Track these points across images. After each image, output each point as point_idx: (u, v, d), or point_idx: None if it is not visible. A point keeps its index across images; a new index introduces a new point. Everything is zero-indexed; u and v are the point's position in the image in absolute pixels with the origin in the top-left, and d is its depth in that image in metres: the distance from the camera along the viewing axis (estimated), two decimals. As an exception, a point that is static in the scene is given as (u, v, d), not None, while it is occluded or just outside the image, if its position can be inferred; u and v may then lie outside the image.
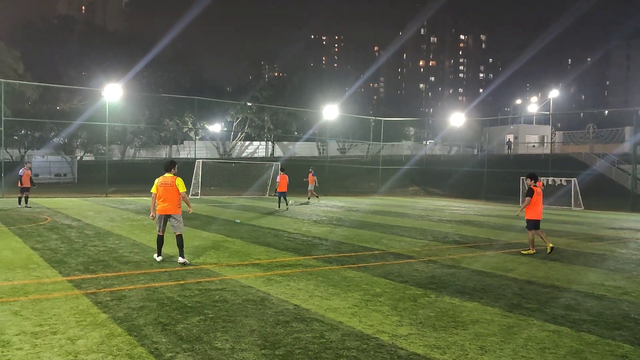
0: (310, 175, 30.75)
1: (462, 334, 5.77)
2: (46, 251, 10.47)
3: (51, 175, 43.16)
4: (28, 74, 43.99)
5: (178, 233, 9.59)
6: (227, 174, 34.91)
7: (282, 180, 23.46)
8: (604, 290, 8.31)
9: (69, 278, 8.07)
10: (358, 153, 60.37)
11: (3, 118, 29.71)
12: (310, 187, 30.73)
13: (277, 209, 22.34)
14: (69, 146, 50.37)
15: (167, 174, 9.68)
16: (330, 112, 41.61)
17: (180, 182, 9.60)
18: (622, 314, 6.90)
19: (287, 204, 23.86)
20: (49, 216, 17.43)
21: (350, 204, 29.00)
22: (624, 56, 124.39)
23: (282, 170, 23.86)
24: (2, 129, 30.27)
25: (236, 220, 12.93)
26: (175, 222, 9.57)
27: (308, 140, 61.63)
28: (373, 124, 47.28)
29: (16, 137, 47.28)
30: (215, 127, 60.87)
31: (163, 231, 9.73)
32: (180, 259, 9.51)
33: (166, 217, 9.63)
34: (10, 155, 45.48)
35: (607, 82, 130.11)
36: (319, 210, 23.86)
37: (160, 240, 9.77)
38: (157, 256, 9.80)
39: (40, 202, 23.73)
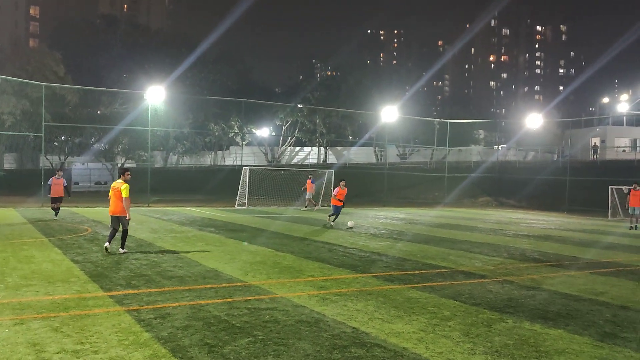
0: (308, 182, 30.89)
1: (547, 366, 5.53)
2: (87, 264, 10.84)
3: (91, 184, 44.96)
4: (69, 76, 46.15)
5: (124, 228, 12.28)
6: (276, 182, 35.31)
7: (339, 195, 21.05)
8: None
9: (110, 293, 8.30)
10: (420, 159, 59.77)
11: (44, 123, 31.20)
12: (309, 194, 30.93)
13: (332, 223, 21.17)
14: (109, 153, 52.32)
15: (118, 180, 12.30)
16: (389, 114, 41.41)
17: (124, 189, 12.00)
18: None
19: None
20: (89, 227, 18.10)
21: (412, 216, 28.67)
22: None
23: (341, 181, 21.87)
24: (43, 135, 31.79)
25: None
26: (123, 220, 12.14)
27: (364, 145, 61.60)
28: (437, 126, 46.73)
29: (56, 144, 49.53)
30: (264, 132, 61.78)
31: (115, 226, 12.31)
32: (120, 249, 12.23)
33: (116, 217, 12.21)
34: (50, 162, 47.64)
35: None
36: (377, 222, 23.70)
37: (112, 233, 12.34)
38: (106, 243, 12.29)
39: (80, 211, 24.71)
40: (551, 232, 21.61)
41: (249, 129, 59.28)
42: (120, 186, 12.08)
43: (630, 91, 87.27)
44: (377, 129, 52.48)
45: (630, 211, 24.73)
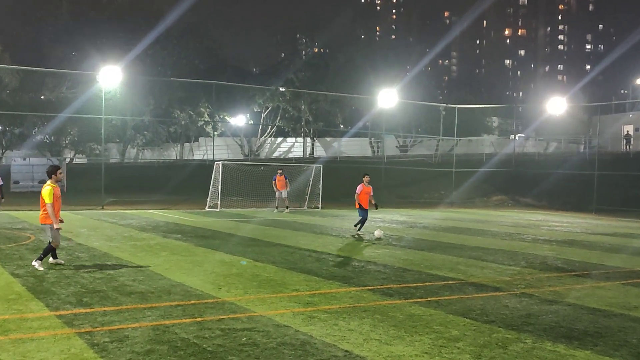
0: (278, 177, 30.62)
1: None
2: (29, 278, 10.78)
3: (34, 182, 44.62)
4: (6, 55, 45.78)
5: (50, 241, 11.89)
6: (255, 180, 35.27)
7: (363, 193, 19.60)
8: None
9: (58, 313, 8.27)
10: (424, 152, 60.02)
11: (-24, 111, 30.94)
12: (281, 193, 30.63)
13: (359, 232, 19.71)
14: (55, 145, 52.06)
15: (48, 181, 11.92)
16: (387, 98, 41.52)
17: (46, 192, 11.69)
18: None
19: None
20: (32, 234, 17.99)
21: (414, 218, 28.79)
22: None
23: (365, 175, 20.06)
24: (-24, 124, 31.49)
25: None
26: (49, 230, 11.82)
27: (358, 135, 61.71)
28: (444, 113, 46.89)
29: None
30: (239, 120, 61.67)
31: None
32: (34, 263, 11.79)
33: (43, 227, 12.10)
34: (-16, 157, 47.27)
35: None
36: (373, 226, 23.76)
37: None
38: (50, 259, 12.18)
39: (21, 216, 24.55)
40: (577, 237, 21.81)
41: (221, 116, 59.17)
42: (43, 189, 11.84)
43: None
44: (373, 116, 52.65)
45: None
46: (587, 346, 7.27)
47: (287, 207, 30.99)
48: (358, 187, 19.55)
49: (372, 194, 19.64)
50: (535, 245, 18.53)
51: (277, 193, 31.00)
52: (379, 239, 18.87)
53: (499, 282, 11.69)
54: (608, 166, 40.64)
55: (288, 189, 31.28)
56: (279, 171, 31.24)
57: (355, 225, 19.99)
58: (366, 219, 19.95)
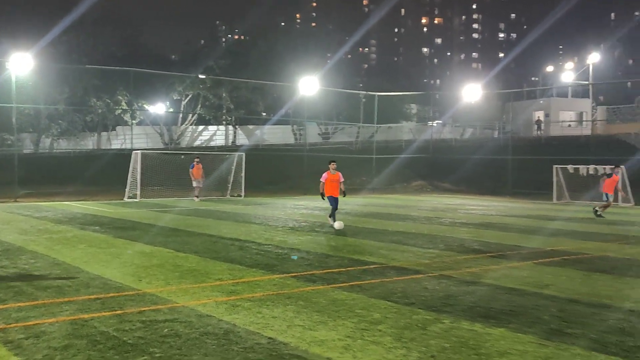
0: (196, 164, 30.59)
1: (488, 370, 5.78)
2: (-64, 276, 10.26)
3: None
4: None
5: None
6: (175, 169, 34.65)
7: (329, 182, 18.43)
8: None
9: (-33, 310, 7.91)
10: (345, 139, 60.54)
11: None
12: (198, 182, 30.62)
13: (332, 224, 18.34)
14: (-37, 136, 49.59)
15: None
16: (308, 85, 41.61)
17: None
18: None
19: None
20: (-61, 229, 17.12)
21: (336, 205, 29.00)
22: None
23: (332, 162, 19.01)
24: None
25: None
26: None
27: (280, 123, 61.59)
28: (364, 100, 47.48)
29: None
30: (158, 108, 60.38)
31: None
32: None
33: None
34: None
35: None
36: (297, 214, 23.84)
37: None
38: None
39: None
40: (492, 219, 22.54)
41: (139, 104, 57.80)
42: None
43: (575, 59, 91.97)
44: (295, 104, 52.59)
45: (609, 198, 24.68)
46: (502, 324, 7.51)
47: (197, 197, 30.71)
48: (323, 175, 18.38)
49: (342, 180, 18.30)
50: (453, 228, 19.02)
51: (194, 182, 30.67)
52: (339, 229, 17.60)
53: (419, 265, 11.94)
54: (521, 151, 42.14)
55: (203, 178, 31.03)
56: (196, 160, 30.90)
57: (330, 217, 18.65)
58: (336, 208, 18.51)
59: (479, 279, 10.51)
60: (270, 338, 6.78)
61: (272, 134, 62.92)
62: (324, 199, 18.52)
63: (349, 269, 11.37)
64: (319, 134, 62.76)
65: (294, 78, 47.14)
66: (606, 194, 24.44)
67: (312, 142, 55.07)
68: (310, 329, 7.17)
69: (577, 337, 6.98)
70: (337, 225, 17.89)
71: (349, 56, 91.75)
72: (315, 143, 56.77)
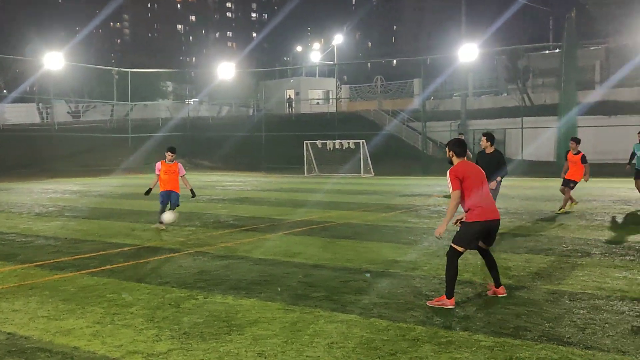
0: None
1: (238, 340, 5.93)
2: None
3: None
4: None
5: None
6: None
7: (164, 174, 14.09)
8: (397, 267, 9.31)
9: None
10: (98, 117, 57.63)
11: None
12: None
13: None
14: None
15: None
16: (54, 60, 38.72)
17: None
18: (415, 291, 7.82)
19: None
20: None
21: (89, 187, 27.71)
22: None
23: None
24: None
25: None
26: None
27: (23, 101, 56.75)
28: (117, 77, 45.52)
29: None
30: None
31: None
32: None
33: None
34: None
35: (395, 27, 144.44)
36: (44, 199, 22.26)
37: None
38: None
39: None
40: (248, 194, 23.12)
41: None
42: None
43: (322, 40, 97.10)
44: (39, 80, 48.79)
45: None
46: (253, 295, 7.73)
47: None
48: (156, 166, 14.22)
49: (183, 173, 14.29)
50: (209, 205, 19.16)
51: None
52: (170, 223, 13.69)
53: (175, 243, 11.84)
54: (274, 128, 43.68)
55: None
56: None
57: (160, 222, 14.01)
58: (166, 204, 13.95)
59: (233, 253, 10.71)
60: (9, 333, 6.25)
61: (15, 113, 57.61)
62: (147, 195, 14.34)
63: (101, 252, 10.89)
64: (68, 112, 58.99)
65: (38, 52, 43.63)
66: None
67: (61, 122, 51.65)
68: (56, 319, 6.75)
69: (320, 300, 7.42)
70: (167, 217, 13.44)
71: (100, 30, 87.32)
72: (64, 122, 53.34)
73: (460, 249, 7.10)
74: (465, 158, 7.34)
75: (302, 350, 5.66)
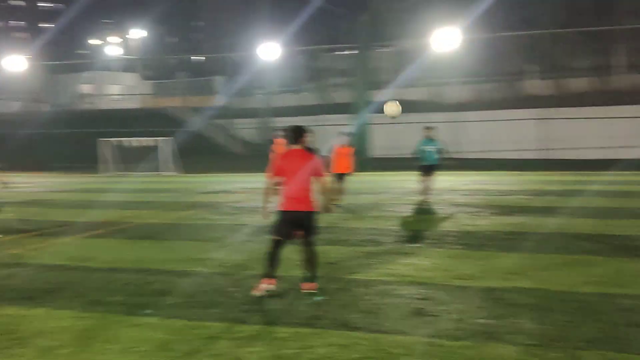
0: None
1: (21, 354, 5.59)
2: None
3: None
4: None
5: None
6: None
7: None
8: (201, 266, 9.21)
9: None
10: None
11: None
12: None
13: None
14: None
15: None
16: None
17: None
18: (217, 289, 7.84)
19: None
20: None
21: None
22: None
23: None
24: None
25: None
26: None
27: None
28: None
29: None
30: None
31: None
32: None
33: None
34: None
35: (200, 22, 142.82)
36: None
37: None
38: None
39: None
40: (38, 196, 21.73)
41: None
42: None
43: (123, 34, 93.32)
44: None
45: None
46: (44, 303, 7.29)
47: None
48: None
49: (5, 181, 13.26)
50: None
51: None
52: None
53: (-48, 252, 10.78)
54: (69, 125, 41.45)
55: None
56: None
57: None
58: None
59: (22, 260, 9.99)
60: None
61: None
62: None
63: None
64: None
65: None
66: None
67: None
68: None
69: (116, 304, 7.16)
70: None
71: None
72: None
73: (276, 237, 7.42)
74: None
75: (93, 358, 5.45)
